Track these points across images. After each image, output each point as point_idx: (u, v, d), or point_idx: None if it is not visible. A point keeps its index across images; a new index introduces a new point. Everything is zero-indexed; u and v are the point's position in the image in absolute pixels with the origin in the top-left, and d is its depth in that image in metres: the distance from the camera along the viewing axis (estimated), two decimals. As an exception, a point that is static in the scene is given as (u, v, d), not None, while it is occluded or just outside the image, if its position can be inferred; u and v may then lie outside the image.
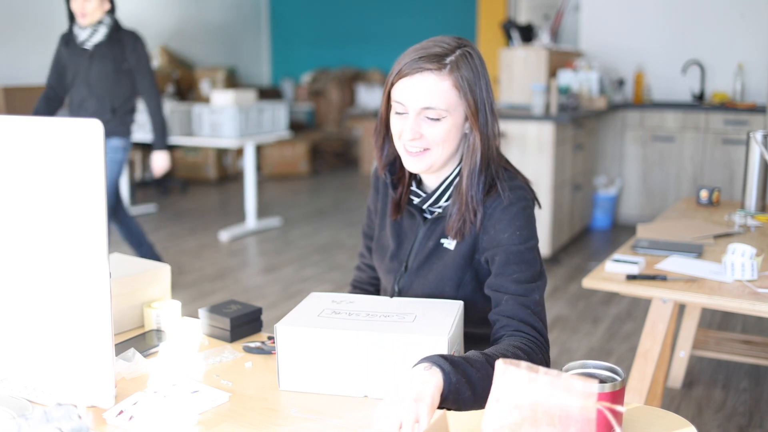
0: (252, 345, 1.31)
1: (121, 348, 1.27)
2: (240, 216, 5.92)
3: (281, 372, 1.14)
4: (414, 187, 1.43)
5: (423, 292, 1.40)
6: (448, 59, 1.28)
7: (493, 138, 1.33)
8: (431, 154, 1.32)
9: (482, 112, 1.31)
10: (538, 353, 1.24)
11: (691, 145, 5.45)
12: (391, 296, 1.46)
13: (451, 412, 1.05)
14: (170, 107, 5.44)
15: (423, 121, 1.30)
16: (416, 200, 1.42)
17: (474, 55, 1.31)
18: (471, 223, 1.34)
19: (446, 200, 1.39)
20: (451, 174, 1.38)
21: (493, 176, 1.35)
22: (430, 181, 1.41)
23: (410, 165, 1.34)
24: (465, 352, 1.40)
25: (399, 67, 1.29)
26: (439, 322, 1.13)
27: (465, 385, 1.03)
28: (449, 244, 1.38)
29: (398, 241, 1.46)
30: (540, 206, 1.41)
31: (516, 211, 1.32)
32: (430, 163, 1.33)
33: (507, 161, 1.40)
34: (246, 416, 1.06)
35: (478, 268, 1.37)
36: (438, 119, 1.29)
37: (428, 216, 1.43)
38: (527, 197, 1.36)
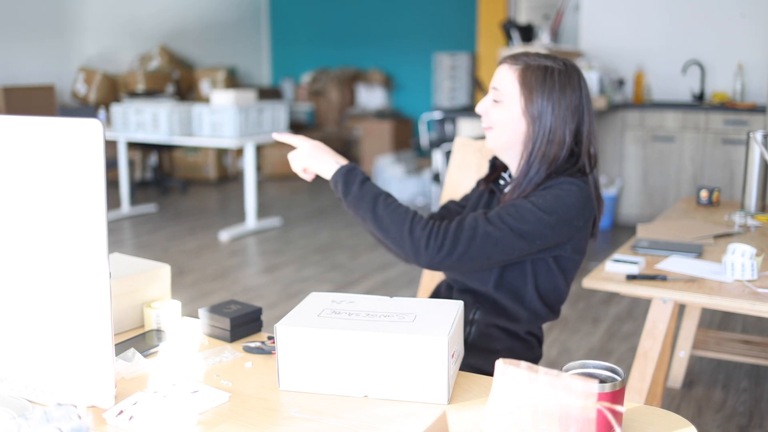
0: (252, 345, 1.31)
1: (121, 348, 1.27)
2: (240, 216, 5.92)
3: (281, 372, 1.14)
4: (505, 174, 1.63)
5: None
6: (526, 62, 1.49)
7: (553, 145, 1.48)
8: (492, 134, 1.54)
9: (545, 116, 1.47)
10: (425, 238, 1.36)
11: (691, 145, 5.45)
12: None
13: (451, 412, 1.06)
14: (170, 107, 5.44)
15: (492, 102, 1.53)
16: (502, 183, 1.62)
17: (559, 74, 1.48)
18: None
19: None
20: None
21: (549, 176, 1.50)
22: (514, 170, 1.59)
23: (486, 141, 1.58)
24: (464, 351, 1.41)
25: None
26: (439, 322, 1.13)
27: (354, 182, 1.42)
28: None
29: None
30: (595, 235, 1.56)
31: (549, 191, 1.45)
32: (494, 142, 1.55)
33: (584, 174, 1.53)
34: (246, 416, 1.06)
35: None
36: (500, 102, 1.51)
37: None
38: (572, 189, 1.45)
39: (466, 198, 1.77)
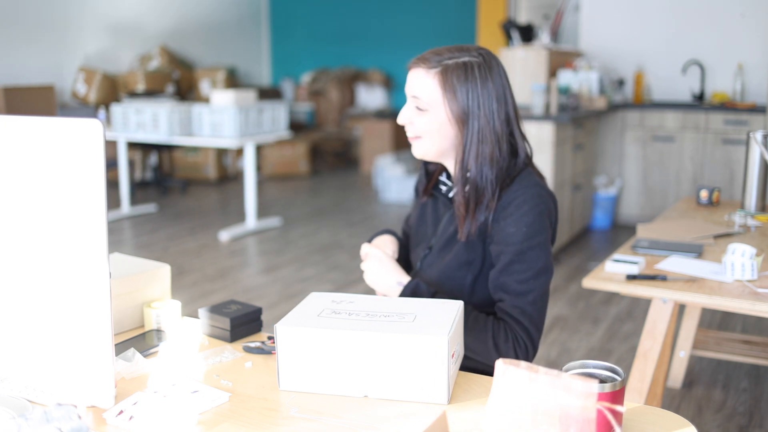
0: (252, 345, 1.31)
1: (121, 348, 1.27)
2: (240, 216, 5.92)
3: (281, 372, 1.14)
4: (443, 177, 1.57)
5: (440, 270, 1.51)
6: (442, 62, 1.42)
7: (488, 142, 1.43)
8: (421, 143, 1.48)
9: (473, 116, 1.42)
10: (512, 349, 1.37)
11: (691, 145, 5.45)
12: (416, 270, 1.59)
13: (451, 412, 1.06)
14: (170, 107, 5.44)
15: (414, 110, 1.46)
16: (443, 189, 1.56)
17: (479, 67, 1.42)
18: (468, 220, 1.45)
19: None
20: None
21: (503, 176, 1.45)
22: (453, 173, 1.52)
23: (412, 150, 1.51)
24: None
25: (409, 63, 1.48)
26: (439, 322, 1.13)
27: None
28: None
29: (422, 222, 1.62)
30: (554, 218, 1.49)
31: (527, 209, 1.41)
32: (423, 151, 1.49)
33: (531, 166, 1.50)
34: (246, 416, 1.06)
35: (487, 250, 1.47)
36: (424, 110, 1.44)
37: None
38: (542, 194, 1.43)
39: (407, 217, 1.73)
